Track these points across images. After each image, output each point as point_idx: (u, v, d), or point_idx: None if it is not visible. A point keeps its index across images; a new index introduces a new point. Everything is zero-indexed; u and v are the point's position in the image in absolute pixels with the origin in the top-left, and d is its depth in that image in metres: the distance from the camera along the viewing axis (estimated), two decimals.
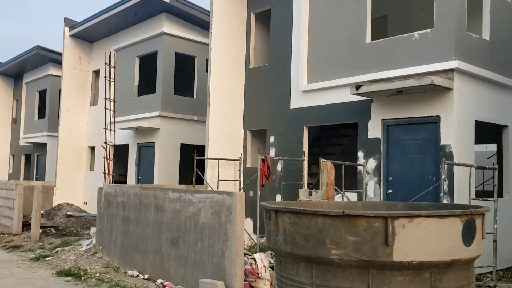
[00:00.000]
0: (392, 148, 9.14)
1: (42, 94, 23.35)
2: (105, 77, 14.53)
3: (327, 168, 6.49)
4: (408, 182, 8.83)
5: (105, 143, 13.77)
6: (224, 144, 11.87)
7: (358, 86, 8.82)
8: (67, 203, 17.39)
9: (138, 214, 8.69)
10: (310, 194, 7.65)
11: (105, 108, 13.95)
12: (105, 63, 14.67)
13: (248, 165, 12.07)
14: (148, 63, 17.13)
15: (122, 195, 9.20)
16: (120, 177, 18.57)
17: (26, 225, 13.91)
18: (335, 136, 13.12)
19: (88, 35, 18.73)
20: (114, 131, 14.31)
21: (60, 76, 22.01)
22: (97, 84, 19.30)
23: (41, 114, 23.34)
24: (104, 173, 13.47)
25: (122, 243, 9.02)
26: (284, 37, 11.22)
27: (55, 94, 22.29)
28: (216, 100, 11.68)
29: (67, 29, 18.75)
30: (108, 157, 13.49)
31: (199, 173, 11.03)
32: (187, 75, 16.61)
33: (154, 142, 15.42)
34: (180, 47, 15.80)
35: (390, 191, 9.09)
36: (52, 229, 13.68)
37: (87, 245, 10.29)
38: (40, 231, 12.75)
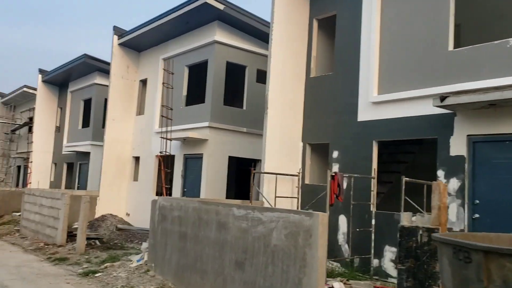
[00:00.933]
0: (479, 167, 8.15)
1: (87, 103, 23.28)
2: (163, 83, 14.02)
3: (439, 189, 5.62)
4: (499, 206, 7.81)
5: (160, 152, 13.21)
6: (281, 158, 11.12)
7: (443, 98, 7.93)
8: (111, 214, 16.97)
9: (196, 231, 8.00)
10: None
11: (162, 116, 13.43)
12: (164, 69, 14.18)
13: (307, 182, 11.26)
14: (197, 73, 16.65)
15: (178, 209, 8.54)
16: (162, 189, 18.06)
17: (70, 236, 13.50)
18: (399, 152, 12.17)
19: (137, 44, 18.48)
20: (171, 140, 13.75)
21: (105, 86, 21.97)
22: (144, 94, 18.97)
23: (85, 123, 23.24)
24: (161, 185, 12.91)
25: (177, 261, 8.34)
26: (351, 44, 10.44)
27: (100, 103, 22.18)
28: (274, 111, 10.97)
29: (116, 37, 18.56)
30: (163, 167, 12.92)
31: (257, 189, 10.28)
32: (237, 85, 16.03)
33: (202, 154, 14.82)
34: (231, 56, 15.25)
35: (477, 215, 8.08)
36: (97, 241, 13.18)
37: (138, 261, 9.66)
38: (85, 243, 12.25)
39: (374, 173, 9.54)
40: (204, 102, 15.08)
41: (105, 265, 9.58)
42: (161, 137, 13.56)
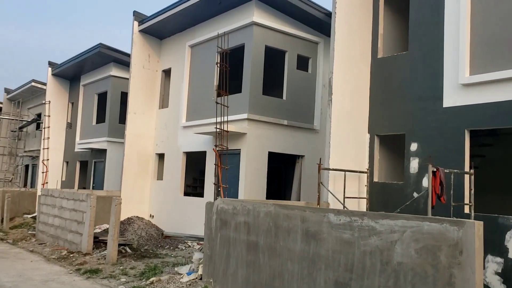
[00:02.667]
0: None
1: (102, 97, 21.76)
2: (217, 63, 12.38)
3: None
4: None
5: (216, 146, 11.66)
6: (345, 152, 9.62)
7: None
8: (137, 216, 15.48)
9: (272, 241, 6.50)
10: None
11: (217, 103, 11.87)
12: (218, 46, 12.57)
13: (375, 179, 9.74)
14: (230, 59, 15.14)
15: (245, 213, 7.03)
16: (187, 188, 16.58)
17: (94, 242, 12.05)
18: (473, 145, 10.65)
19: (159, 30, 16.94)
20: (227, 131, 12.19)
21: (122, 78, 20.51)
22: (167, 85, 17.45)
23: (100, 118, 21.72)
24: (215, 184, 11.38)
25: (246, 278, 6.84)
26: (432, 17, 8.92)
27: (116, 97, 20.67)
28: (339, 97, 9.46)
29: (136, 23, 17.04)
30: (220, 164, 11.39)
31: (326, 188, 8.78)
32: (276, 72, 14.51)
33: (239, 149, 13.30)
34: (270, 40, 13.71)
35: None
36: (127, 248, 11.68)
37: (188, 274, 8.17)
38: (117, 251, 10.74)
39: (468, 168, 8.03)
40: (241, 92, 13.55)
41: (151, 280, 8.07)
42: (216, 128, 11.97)
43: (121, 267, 9.86)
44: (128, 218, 14.88)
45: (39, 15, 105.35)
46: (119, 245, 12.24)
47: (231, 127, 12.97)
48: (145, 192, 17.06)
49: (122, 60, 20.08)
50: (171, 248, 13.17)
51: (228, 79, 12.23)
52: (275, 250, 6.40)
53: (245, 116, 13.10)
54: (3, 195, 18.92)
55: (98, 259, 10.77)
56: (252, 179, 13.08)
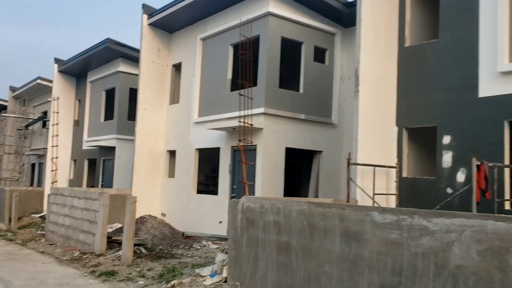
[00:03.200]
0: None
1: (109, 94, 21.33)
2: (240, 53, 11.82)
3: None
4: None
5: (239, 140, 11.14)
6: (372, 146, 9.14)
7: None
8: (149, 215, 15.04)
9: (307, 242, 6.03)
10: None
11: (240, 94, 11.34)
12: (241, 34, 11.99)
13: (404, 174, 9.25)
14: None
15: (275, 212, 6.56)
16: (199, 186, 16.13)
17: (108, 242, 11.62)
18: None
19: (168, 23, 16.47)
20: (251, 125, 11.64)
21: (130, 73, 20.09)
22: (177, 80, 16.99)
23: (108, 115, 21.29)
24: (240, 181, 10.89)
25: (277, 281, 6.38)
26: (466, 2, 8.40)
27: (124, 93, 20.24)
28: (366, 87, 8.98)
29: (145, 17, 16.56)
30: (245, 159, 10.91)
31: (355, 184, 8.31)
32: (292, 65, 14.02)
33: (255, 145, 12.83)
34: (287, 31, 13.22)
35: None
36: (142, 249, 11.23)
37: (211, 276, 7.71)
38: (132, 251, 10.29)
39: (509, 161, 7.53)
40: (257, 85, 13.06)
41: (173, 283, 7.61)
42: (239, 121, 11.44)
43: (138, 269, 9.41)
44: (141, 217, 14.43)
45: (42, 15, 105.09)
46: (134, 245, 11.82)
47: (237, 123, 12.49)
48: (156, 190, 16.63)
49: (130, 55, 19.64)
50: (186, 247, 12.73)
51: (250, 69, 11.65)
52: (310, 252, 5.93)
53: (261, 110, 12.62)
54: (11, 194, 18.52)
55: (113, 260, 10.34)
56: (269, 176, 12.61)
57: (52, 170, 17.76)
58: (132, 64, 20.13)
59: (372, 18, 9.18)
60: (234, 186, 13.55)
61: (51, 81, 25.90)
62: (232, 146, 13.73)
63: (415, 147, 9.45)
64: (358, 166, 8.73)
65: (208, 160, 16.28)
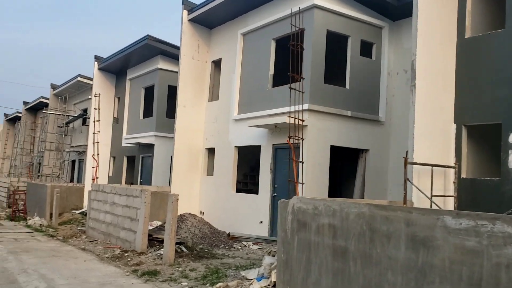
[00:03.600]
0: None
1: (148, 91, 21.31)
2: (290, 44, 11.37)
3: None
4: None
5: (289, 137, 10.69)
6: (429, 144, 8.52)
7: None
8: (189, 213, 14.81)
9: (367, 247, 5.53)
10: None
11: (291, 88, 10.88)
12: (292, 24, 11.52)
13: (464, 175, 8.59)
14: (287, 46, 14.24)
15: (330, 214, 6.09)
16: (237, 184, 15.78)
17: (149, 241, 11.41)
18: None
19: (208, 19, 16.20)
20: (303, 121, 11.12)
21: (169, 71, 20.00)
22: (217, 76, 16.70)
23: (147, 113, 21.28)
24: (290, 180, 10.45)
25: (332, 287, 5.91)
26: None
27: (163, 90, 20.16)
28: (423, 82, 8.37)
29: (185, 12, 16.34)
30: (295, 157, 10.49)
31: (413, 185, 7.74)
32: (337, 59, 13.47)
33: (299, 143, 12.34)
34: (332, 24, 12.69)
35: None
36: (182, 247, 10.96)
37: (258, 280, 7.32)
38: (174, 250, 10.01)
39: None
40: (301, 80, 12.57)
41: (218, 286, 7.26)
42: (289, 117, 10.98)
43: (180, 269, 9.13)
44: (180, 215, 14.18)
45: (82, 16, 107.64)
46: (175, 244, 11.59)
47: (287, 119, 12.04)
48: (195, 188, 16.40)
49: (169, 52, 19.53)
50: (226, 247, 12.40)
51: (300, 62, 11.15)
52: (371, 258, 5.44)
53: (306, 106, 12.13)
54: (52, 190, 18.72)
55: (154, 259, 10.10)
56: (313, 176, 12.13)
57: (93, 167, 17.84)
58: (171, 61, 20.03)
59: (430, 8, 8.55)
60: (276, 185, 13.13)
61: (91, 79, 26.22)
62: (273, 144, 13.31)
63: (475, 146, 8.77)
64: (414, 166, 8.15)
65: (246, 158, 15.94)
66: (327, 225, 6.13)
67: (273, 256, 7.78)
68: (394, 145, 13.52)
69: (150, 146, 19.99)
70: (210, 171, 16.39)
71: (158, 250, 10.91)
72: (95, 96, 20.73)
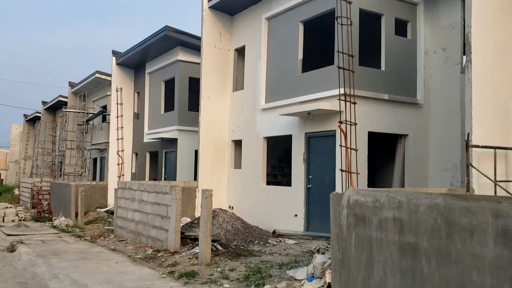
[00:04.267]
0: None
1: (169, 84, 20.76)
2: (336, 18, 10.53)
3: None
4: None
5: (340, 122, 9.88)
6: (489, 125, 7.74)
7: None
8: (220, 208, 14.24)
9: (443, 244, 4.83)
10: None
11: (339, 67, 10.12)
12: None
13: None
14: (316, 29, 13.51)
15: (394, 207, 5.40)
16: (266, 177, 15.11)
17: (181, 239, 10.85)
18: None
19: (229, 5, 15.50)
20: (355, 103, 10.18)
21: (189, 62, 19.45)
22: (241, 65, 16.03)
23: (168, 107, 20.75)
24: (342, 170, 9.65)
25: None
26: None
27: (184, 83, 19.57)
28: (480, 57, 7.57)
29: None
30: (348, 146, 9.73)
31: (477, 169, 6.99)
32: (370, 39, 12.67)
33: (334, 131, 11.64)
34: (365, 2, 11.89)
35: None
36: (217, 245, 10.38)
37: (309, 280, 6.68)
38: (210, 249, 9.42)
39: None
40: (333, 64, 11.83)
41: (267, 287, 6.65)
42: (339, 99, 10.08)
43: (219, 269, 8.55)
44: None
45: (102, 16, 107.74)
46: None
47: (326, 105, 11.34)
48: (222, 182, 15.82)
49: (189, 43, 18.92)
50: (261, 243, 11.80)
51: (350, 39, 10.33)
52: (449, 256, 4.75)
53: (341, 91, 11.37)
54: (76, 189, 18.38)
55: (189, 258, 9.55)
56: (352, 165, 11.38)
57: (118, 164, 17.36)
58: (191, 52, 19.42)
59: None
60: (310, 176, 12.45)
61: (109, 75, 25.76)
62: (306, 133, 12.61)
63: None
64: (473, 149, 7.38)
65: (276, 149, 15.29)
66: (391, 219, 5.44)
67: (323, 253, 7.13)
68: (433, 129, 12.72)
69: (173, 141, 19.46)
70: (237, 164, 15.78)
71: (191, 248, 10.36)
72: (116, 91, 20.23)
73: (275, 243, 11.84)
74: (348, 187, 8.68)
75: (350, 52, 11.40)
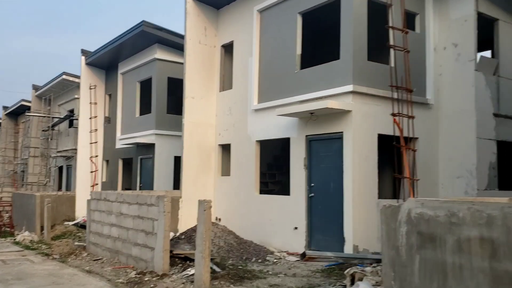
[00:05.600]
0: None
1: (145, 85, 19.12)
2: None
3: None
4: None
5: (394, 115, 8.45)
6: None
7: None
8: (213, 221, 12.69)
9: None
10: None
11: (390, 46, 8.81)
12: None
13: None
14: (316, 21, 12.29)
15: (482, 223, 4.13)
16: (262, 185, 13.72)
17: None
18: None
19: None
20: (411, 91, 8.83)
21: (168, 61, 17.94)
22: (228, 62, 14.64)
23: (144, 109, 19.10)
24: (397, 176, 8.23)
25: None
26: None
27: (163, 83, 17.99)
28: None
29: None
30: (405, 144, 8.33)
31: None
32: (376, 32, 11.51)
33: (341, 133, 10.41)
34: None
35: None
36: (214, 266, 8.89)
37: None
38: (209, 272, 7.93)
39: None
40: (340, 58, 10.61)
41: None
42: (392, 89, 8.77)
43: None
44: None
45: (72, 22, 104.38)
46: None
47: (334, 104, 10.07)
48: (208, 191, 14.30)
49: (168, 40, 17.42)
50: (259, 260, 10.40)
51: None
52: None
53: (349, 88, 10.17)
54: (42, 200, 16.51)
55: (183, 283, 8.04)
56: (360, 171, 10.18)
57: (92, 172, 15.57)
58: (170, 51, 17.94)
59: None
60: (312, 184, 11.13)
61: (77, 76, 23.87)
62: (307, 136, 11.31)
63: None
64: None
65: (263, 154, 13.89)
66: (477, 239, 4.16)
67: (360, 280, 5.79)
68: (444, 132, 11.68)
69: (150, 146, 17.81)
70: (225, 171, 14.34)
71: (183, 270, 8.85)
72: (90, 89, 18.50)
73: (275, 260, 10.45)
74: (404, 197, 7.39)
75: (359, 46, 10.25)
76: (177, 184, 17.44)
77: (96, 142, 16.64)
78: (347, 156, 10.17)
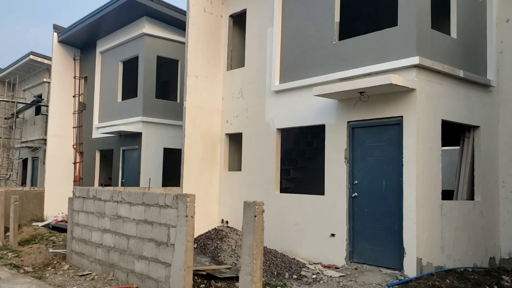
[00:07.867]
0: None
1: (129, 65, 16.60)
2: None
3: None
4: None
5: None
6: None
7: None
8: (227, 226, 10.41)
9: None
10: None
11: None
12: None
13: None
14: None
15: None
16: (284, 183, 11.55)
17: None
18: None
19: None
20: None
21: (157, 37, 15.46)
22: (237, 36, 12.38)
23: (129, 93, 16.58)
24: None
25: None
26: None
27: (152, 63, 15.49)
28: None
29: None
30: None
31: None
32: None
33: (401, 117, 8.35)
34: None
35: None
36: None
37: None
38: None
39: None
40: (397, 25, 8.53)
41: None
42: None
43: None
44: (214, 229, 9.84)
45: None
46: (225, 278, 7.27)
47: (398, 80, 7.96)
48: (213, 188, 12.05)
49: (159, 11, 14.97)
50: (294, 276, 8.22)
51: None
52: None
53: (413, 61, 8.09)
54: (7, 197, 13.80)
55: None
56: (424, 166, 8.14)
57: (75, 163, 12.96)
58: (161, 25, 15.53)
59: None
60: (356, 182, 9.02)
61: (47, 57, 21.09)
62: (348, 122, 9.20)
63: None
64: None
65: (285, 145, 11.76)
66: None
67: None
68: (504, 120, 9.82)
69: (136, 136, 15.30)
70: (233, 165, 12.10)
71: None
72: (74, 59, 15.96)
73: (314, 276, 8.29)
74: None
75: (422, 10, 8.23)
76: (166, 181, 15.09)
77: (81, 126, 14.00)
78: (408, 147, 8.11)
